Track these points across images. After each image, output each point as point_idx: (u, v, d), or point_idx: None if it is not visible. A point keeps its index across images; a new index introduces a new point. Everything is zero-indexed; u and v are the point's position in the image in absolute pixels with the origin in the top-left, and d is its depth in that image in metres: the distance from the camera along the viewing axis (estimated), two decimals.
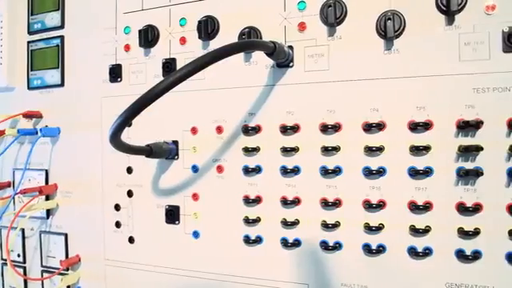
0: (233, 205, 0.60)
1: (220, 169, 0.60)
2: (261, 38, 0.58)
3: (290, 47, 0.56)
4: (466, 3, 0.50)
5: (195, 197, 0.62)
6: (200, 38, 0.61)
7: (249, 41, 0.56)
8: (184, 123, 0.63)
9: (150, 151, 0.59)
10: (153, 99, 0.43)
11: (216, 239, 0.61)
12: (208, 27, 0.60)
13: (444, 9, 0.50)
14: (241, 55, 0.59)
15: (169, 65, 0.63)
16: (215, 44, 0.61)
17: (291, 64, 0.56)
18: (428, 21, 0.51)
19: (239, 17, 0.59)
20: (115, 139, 0.47)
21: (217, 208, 0.61)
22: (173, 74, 0.43)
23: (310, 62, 0.56)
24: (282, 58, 0.54)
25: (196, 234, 0.62)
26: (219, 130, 0.60)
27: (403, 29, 0.52)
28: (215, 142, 0.60)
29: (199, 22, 0.60)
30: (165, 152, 0.61)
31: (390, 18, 0.51)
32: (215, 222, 0.61)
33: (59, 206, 0.74)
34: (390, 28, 0.51)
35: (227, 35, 0.60)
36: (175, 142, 0.63)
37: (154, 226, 0.65)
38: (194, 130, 0.62)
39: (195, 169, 0.62)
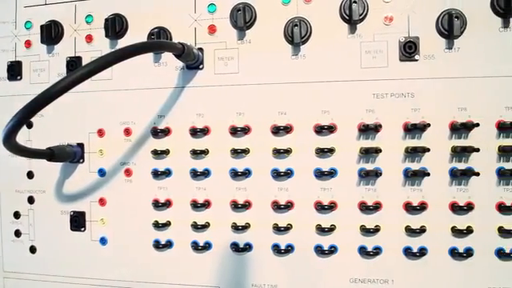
0: (142, 209, 0.58)
1: (128, 172, 0.58)
2: (171, 38, 0.57)
3: (200, 49, 0.56)
4: (366, 14, 0.53)
5: (102, 202, 0.59)
6: (107, 36, 0.58)
7: (156, 41, 0.54)
8: (90, 125, 0.60)
9: (51, 154, 0.55)
10: (51, 98, 0.40)
11: (125, 245, 0.59)
12: (116, 26, 0.58)
13: (347, 18, 0.52)
14: (150, 56, 0.57)
15: (74, 63, 0.60)
16: (123, 43, 0.59)
17: (201, 66, 0.56)
18: (333, 29, 0.53)
19: (149, 16, 0.58)
20: (9, 141, 0.44)
21: (125, 213, 0.59)
22: (73, 73, 0.41)
23: (220, 65, 0.56)
24: (191, 60, 0.53)
25: (103, 241, 0.60)
26: (127, 132, 0.58)
27: (309, 35, 0.53)
28: (123, 144, 0.58)
29: (106, 20, 0.58)
30: (68, 155, 0.58)
31: (296, 25, 0.53)
32: (123, 228, 0.59)
33: None
34: (296, 34, 0.53)
35: (136, 35, 0.58)
36: (80, 145, 0.60)
37: (57, 233, 0.61)
38: (100, 132, 0.59)
39: (102, 173, 0.59)
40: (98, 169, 0.59)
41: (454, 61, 0.51)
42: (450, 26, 0.50)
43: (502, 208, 0.50)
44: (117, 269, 0.59)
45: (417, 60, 0.52)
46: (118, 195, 0.59)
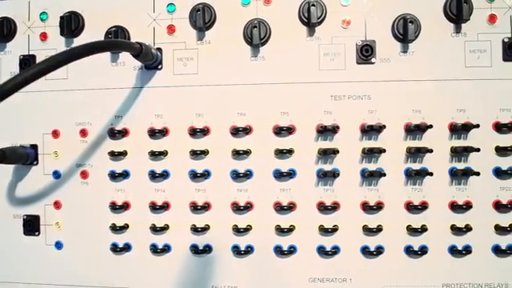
0: (99, 212, 0.56)
1: (84, 174, 0.57)
2: (129, 38, 0.56)
3: (159, 49, 0.55)
4: (325, 17, 0.53)
5: (57, 205, 0.58)
6: (62, 34, 0.57)
7: (113, 40, 0.53)
8: (44, 126, 0.58)
9: (2, 156, 0.53)
10: (0, 98, 0.39)
11: (81, 249, 0.57)
12: (71, 24, 0.56)
13: (306, 21, 0.53)
14: (107, 55, 0.56)
15: (27, 62, 0.58)
16: (79, 42, 0.57)
17: (160, 66, 0.55)
18: (291, 31, 0.54)
19: (106, 15, 0.56)
20: None
21: (81, 216, 0.57)
22: (23, 72, 0.39)
23: (179, 65, 0.55)
24: (149, 60, 0.53)
25: (59, 245, 0.58)
26: (83, 133, 0.56)
27: (269, 37, 0.54)
28: (79, 146, 0.57)
29: (62, 18, 0.56)
30: (21, 157, 0.56)
31: (255, 26, 0.53)
32: (80, 231, 0.57)
33: None
34: (255, 35, 0.53)
35: (93, 33, 0.57)
36: (34, 146, 0.58)
37: (10, 238, 0.59)
38: (55, 134, 0.57)
39: (57, 175, 0.57)
40: (52, 171, 0.57)
41: (409, 64, 0.53)
42: (405, 31, 0.52)
43: (455, 207, 0.51)
44: (73, 274, 0.57)
45: (373, 63, 0.53)
46: (73, 198, 0.57)
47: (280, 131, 0.53)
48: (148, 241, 0.56)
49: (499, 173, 0.52)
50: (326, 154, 0.52)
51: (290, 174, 0.53)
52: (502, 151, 0.51)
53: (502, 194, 0.52)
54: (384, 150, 0.51)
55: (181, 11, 0.55)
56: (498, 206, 0.51)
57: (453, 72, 0.52)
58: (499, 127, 0.51)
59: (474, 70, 0.52)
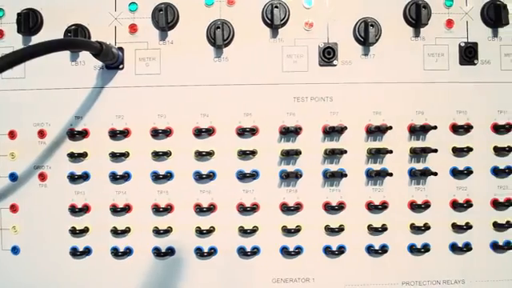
0: (58, 215, 0.55)
1: (43, 176, 0.55)
2: (89, 37, 0.54)
3: (120, 49, 0.54)
4: (288, 19, 0.54)
5: (14, 208, 0.56)
6: (20, 32, 0.55)
7: (72, 39, 0.52)
8: (0, 126, 0.56)
9: None
10: None
11: (39, 254, 0.55)
12: (29, 21, 0.54)
13: (269, 22, 0.53)
14: (66, 54, 0.55)
15: None
16: (37, 40, 0.55)
17: (121, 66, 0.54)
18: (255, 32, 0.54)
19: (66, 12, 0.55)
20: None
21: (39, 220, 0.55)
22: None
23: (141, 65, 0.54)
24: (110, 60, 0.52)
25: (15, 250, 0.56)
26: (42, 134, 0.55)
27: (232, 38, 0.54)
28: (37, 147, 0.55)
29: (19, 15, 0.55)
30: None
31: (219, 27, 0.53)
32: (38, 235, 0.55)
33: None
34: (219, 36, 0.53)
35: (51, 31, 0.55)
36: None
37: None
38: (11, 134, 0.55)
39: (13, 177, 0.55)
40: (8, 173, 0.55)
41: (370, 67, 0.54)
42: (366, 34, 0.53)
43: (414, 206, 0.53)
44: (31, 279, 0.55)
45: (335, 65, 0.54)
46: (31, 201, 0.55)
47: (243, 132, 0.53)
48: (109, 244, 0.55)
49: (456, 173, 0.53)
50: (289, 155, 0.53)
51: (254, 175, 0.53)
52: (458, 152, 0.53)
53: (458, 193, 0.53)
54: (345, 151, 0.52)
55: (143, 10, 0.54)
56: (455, 205, 0.53)
57: (412, 75, 0.54)
58: (456, 129, 0.53)
59: (432, 73, 0.54)
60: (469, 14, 0.54)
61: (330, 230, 0.53)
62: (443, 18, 0.54)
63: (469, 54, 0.53)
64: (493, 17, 0.53)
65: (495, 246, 0.53)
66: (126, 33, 0.55)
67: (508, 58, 0.54)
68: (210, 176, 0.54)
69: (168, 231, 0.54)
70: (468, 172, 0.53)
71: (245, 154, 0.53)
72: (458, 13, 0.54)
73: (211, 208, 0.53)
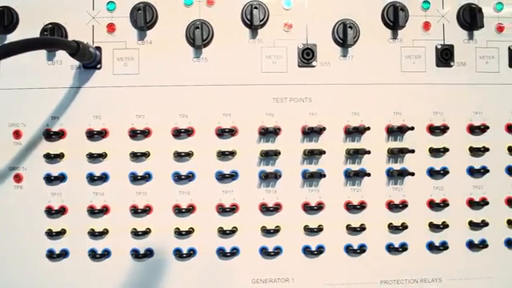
0: (33, 217, 0.54)
1: (18, 178, 0.54)
2: (66, 36, 0.54)
3: (98, 48, 0.53)
4: (267, 19, 0.54)
5: None
6: None
7: (47, 38, 0.51)
8: None
9: None
10: None
11: (14, 257, 0.54)
12: (4, 19, 0.53)
13: (248, 23, 0.53)
14: (43, 53, 0.54)
15: None
16: (13, 39, 0.54)
17: (99, 66, 0.54)
18: (234, 33, 0.54)
19: (42, 11, 0.54)
20: None
21: (14, 222, 0.54)
22: None
23: (119, 65, 0.54)
24: (87, 60, 0.51)
25: None
26: (17, 134, 0.54)
27: (211, 38, 0.54)
28: (12, 148, 0.54)
29: None
30: None
31: (198, 27, 0.52)
32: (13, 238, 0.54)
33: None
34: (198, 36, 0.52)
35: (27, 30, 0.54)
36: None
37: None
38: None
39: None
40: None
41: (348, 68, 0.54)
42: (345, 35, 0.53)
43: (391, 206, 0.53)
44: (6, 283, 0.54)
45: (314, 66, 0.54)
46: (6, 202, 0.54)
47: (222, 133, 0.53)
48: (86, 246, 0.54)
49: (432, 173, 0.54)
50: (268, 156, 0.53)
51: (233, 175, 0.53)
52: (435, 152, 0.54)
53: (435, 193, 0.54)
54: (324, 152, 0.52)
55: (121, 10, 0.54)
56: (432, 205, 0.54)
57: (390, 76, 0.54)
58: (433, 129, 0.54)
59: (410, 74, 0.54)
60: (445, 16, 0.55)
61: (309, 230, 0.53)
62: (420, 21, 0.55)
63: (445, 56, 0.54)
64: (468, 20, 0.54)
65: (471, 245, 0.54)
66: (104, 32, 0.54)
67: (483, 60, 0.55)
68: (189, 177, 0.53)
69: (147, 233, 0.53)
70: (444, 172, 0.54)
71: (224, 155, 0.53)
72: (434, 15, 0.55)
73: (190, 209, 0.53)
